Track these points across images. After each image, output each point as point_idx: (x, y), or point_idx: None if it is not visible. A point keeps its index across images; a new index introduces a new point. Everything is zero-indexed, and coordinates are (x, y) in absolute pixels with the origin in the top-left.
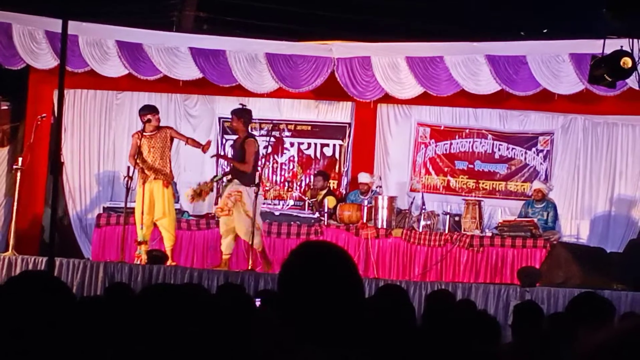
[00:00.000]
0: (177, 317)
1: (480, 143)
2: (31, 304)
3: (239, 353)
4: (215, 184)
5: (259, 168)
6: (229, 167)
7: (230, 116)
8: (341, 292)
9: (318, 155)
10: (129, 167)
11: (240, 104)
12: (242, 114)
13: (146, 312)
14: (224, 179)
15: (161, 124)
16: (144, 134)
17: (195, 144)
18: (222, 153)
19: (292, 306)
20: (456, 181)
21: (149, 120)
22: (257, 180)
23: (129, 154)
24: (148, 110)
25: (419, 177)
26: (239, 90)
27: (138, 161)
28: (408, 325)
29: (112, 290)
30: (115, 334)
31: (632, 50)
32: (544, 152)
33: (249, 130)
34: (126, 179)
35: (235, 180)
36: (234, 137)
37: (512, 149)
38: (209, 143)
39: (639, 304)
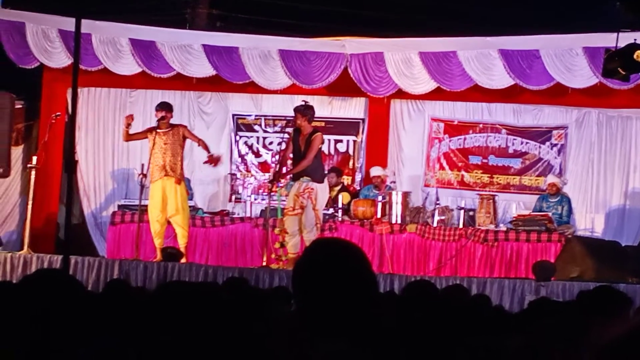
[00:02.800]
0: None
1: (494, 137)
2: (46, 302)
3: (249, 347)
4: (270, 184)
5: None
6: (278, 167)
7: (293, 114)
8: (354, 287)
9: (332, 151)
10: (142, 165)
11: (303, 101)
12: (306, 111)
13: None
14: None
15: (175, 122)
16: (158, 131)
17: (206, 147)
18: (237, 150)
19: (305, 301)
20: (470, 176)
21: (162, 118)
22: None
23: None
24: (163, 108)
25: (433, 172)
26: (253, 87)
27: (150, 159)
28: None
29: (111, 286)
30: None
31: None
32: (558, 146)
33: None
34: (140, 176)
35: (305, 177)
36: (249, 134)
37: (526, 143)
38: (218, 158)
39: None
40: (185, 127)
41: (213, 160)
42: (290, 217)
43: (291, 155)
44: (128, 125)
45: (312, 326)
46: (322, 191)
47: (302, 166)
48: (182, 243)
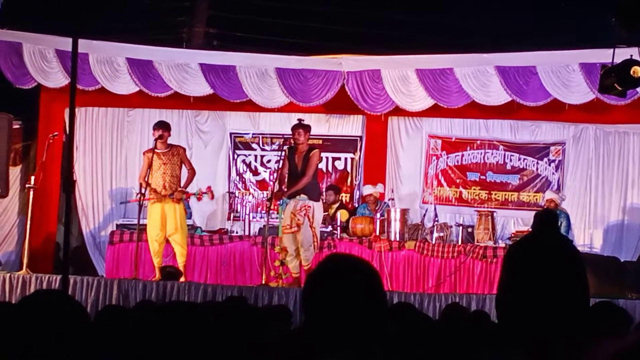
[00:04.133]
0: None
1: (492, 154)
2: (45, 324)
3: None
4: (268, 202)
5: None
6: (277, 184)
7: (290, 132)
8: (365, 304)
9: (330, 168)
10: (141, 184)
11: (298, 119)
12: (307, 128)
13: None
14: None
15: (176, 143)
16: (156, 151)
17: (191, 179)
18: (235, 169)
19: (315, 315)
20: (468, 192)
21: (160, 137)
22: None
23: (139, 175)
24: (160, 127)
25: (431, 189)
26: (250, 106)
27: (148, 179)
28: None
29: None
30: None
31: None
32: (556, 162)
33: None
34: (139, 195)
35: (302, 195)
36: (247, 152)
37: (524, 159)
38: (201, 194)
39: None
40: (184, 150)
41: (200, 197)
42: (287, 235)
43: (286, 174)
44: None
45: (318, 341)
46: (318, 209)
47: (303, 183)
48: (180, 262)
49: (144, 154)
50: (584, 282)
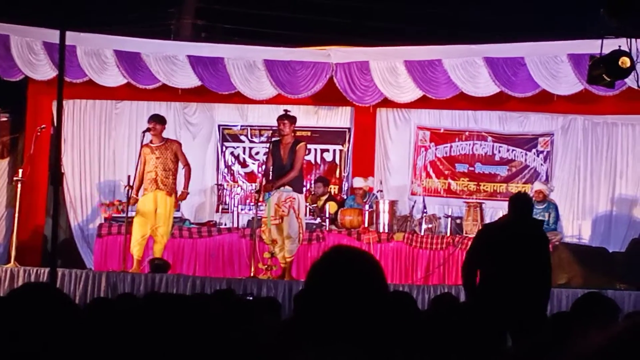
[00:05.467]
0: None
1: (481, 145)
2: (33, 317)
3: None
4: (256, 194)
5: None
6: (264, 178)
7: (276, 122)
8: (368, 297)
9: (318, 160)
10: (129, 176)
11: (284, 110)
12: (292, 119)
13: (149, 321)
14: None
15: (172, 138)
16: (150, 145)
17: (188, 176)
18: (223, 161)
19: (317, 307)
20: (457, 184)
21: (148, 130)
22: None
23: (138, 171)
24: (152, 119)
25: (420, 180)
26: (238, 98)
27: (142, 175)
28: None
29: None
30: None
31: (630, 49)
32: (544, 153)
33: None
34: (127, 188)
35: (287, 187)
36: (235, 144)
37: (512, 150)
38: (184, 195)
39: None
40: (179, 144)
41: (183, 197)
42: (273, 227)
43: (271, 167)
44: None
45: (310, 332)
46: (302, 201)
47: (290, 177)
48: (156, 256)
49: (141, 149)
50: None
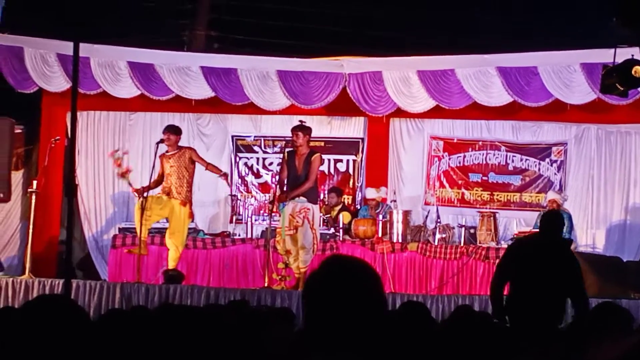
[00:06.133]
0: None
1: (494, 155)
2: (48, 329)
3: None
4: (270, 205)
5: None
6: (279, 188)
7: (290, 134)
8: (364, 306)
9: (332, 170)
10: (143, 187)
11: (300, 121)
12: (307, 130)
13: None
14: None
15: (185, 145)
16: (166, 154)
17: (215, 170)
18: (237, 171)
19: (313, 315)
20: (470, 193)
21: (161, 140)
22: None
23: (154, 175)
24: (167, 130)
25: (433, 190)
26: (252, 108)
27: (155, 183)
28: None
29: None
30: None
31: None
32: (558, 162)
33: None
34: (141, 199)
35: (301, 198)
36: (249, 155)
37: (526, 160)
38: (226, 175)
39: None
40: (193, 150)
41: (226, 177)
42: (287, 237)
43: (285, 178)
44: (142, 193)
45: (316, 341)
46: (317, 211)
47: (305, 189)
48: (171, 266)
49: (158, 158)
50: (581, 281)
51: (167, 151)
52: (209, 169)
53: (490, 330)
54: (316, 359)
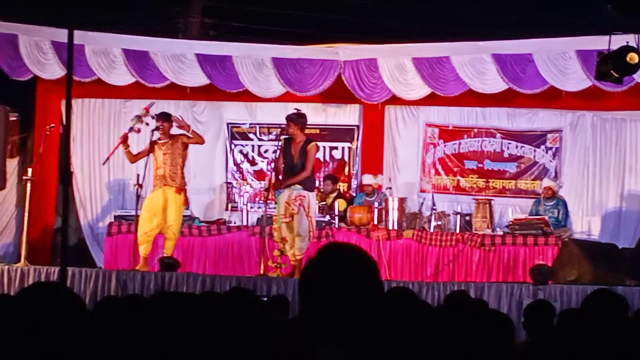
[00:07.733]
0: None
1: (489, 142)
2: (43, 316)
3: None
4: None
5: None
6: (275, 175)
7: (284, 120)
8: (361, 294)
9: (327, 158)
10: (138, 175)
11: (295, 109)
12: (299, 119)
13: (157, 319)
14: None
15: (175, 133)
16: (158, 142)
17: (198, 137)
18: (232, 159)
19: (310, 303)
20: (466, 181)
21: (157, 128)
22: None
23: (141, 152)
24: (160, 117)
25: (429, 177)
26: (247, 96)
27: (154, 170)
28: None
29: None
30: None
31: (638, 45)
32: (553, 149)
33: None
34: (136, 186)
35: (297, 185)
36: (244, 142)
37: (521, 147)
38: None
39: None
40: (184, 134)
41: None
42: (283, 225)
43: (282, 165)
44: (127, 146)
45: (314, 331)
46: (313, 199)
47: (302, 177)
48: (167, 254)
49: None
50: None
51: (159, 139)
52: (193, 135)
53: (486, 316)
54: (321, 351)
